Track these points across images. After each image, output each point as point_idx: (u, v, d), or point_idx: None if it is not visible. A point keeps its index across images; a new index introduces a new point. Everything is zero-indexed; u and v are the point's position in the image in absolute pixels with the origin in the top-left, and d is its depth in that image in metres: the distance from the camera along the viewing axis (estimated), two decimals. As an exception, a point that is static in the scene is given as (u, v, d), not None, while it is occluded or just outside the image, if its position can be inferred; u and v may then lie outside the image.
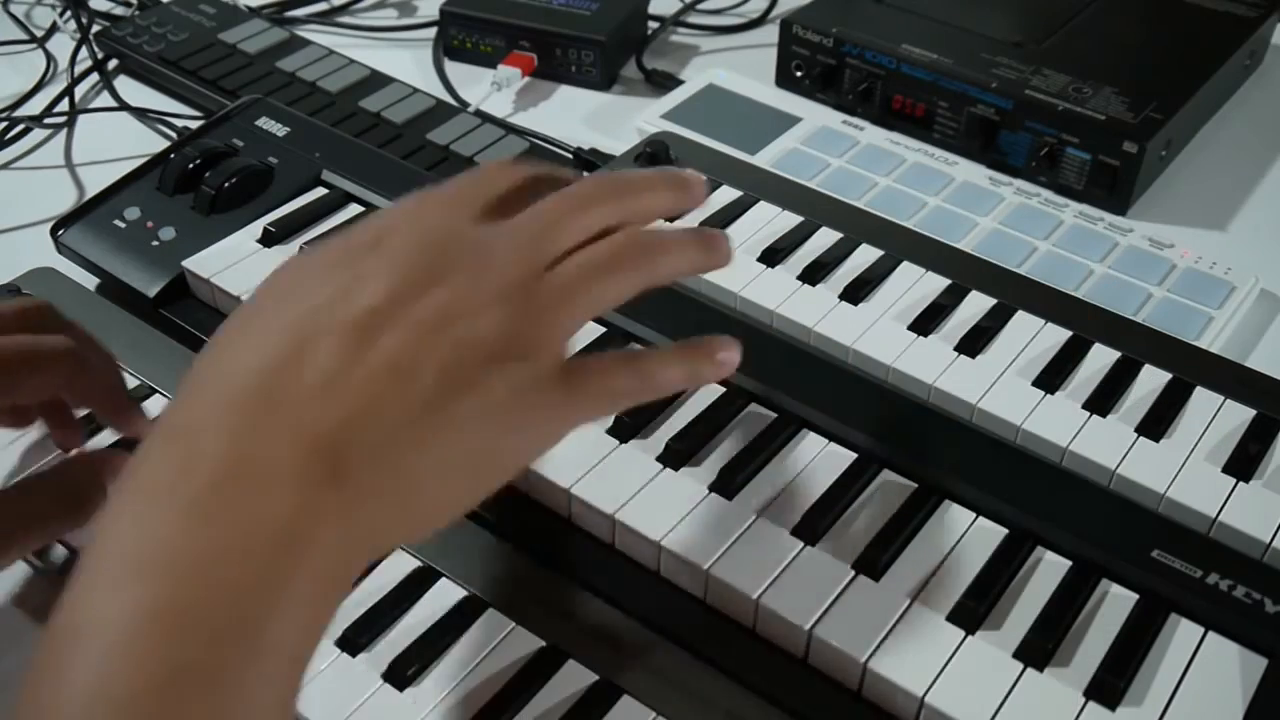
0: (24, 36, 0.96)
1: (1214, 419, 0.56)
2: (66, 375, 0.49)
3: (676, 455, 0.52)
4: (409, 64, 0.94)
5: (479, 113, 0.84)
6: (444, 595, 0.48)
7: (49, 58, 0.93)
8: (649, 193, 0.43)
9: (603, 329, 0.59)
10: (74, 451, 0.53)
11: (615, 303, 0.40)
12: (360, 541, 0.35)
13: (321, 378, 0.34)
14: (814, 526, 0.49)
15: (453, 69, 0.93)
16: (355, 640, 0.46)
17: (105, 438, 0.55)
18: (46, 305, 0.51)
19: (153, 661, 0.30)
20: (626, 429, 0.53)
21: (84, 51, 0.92)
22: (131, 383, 0.58)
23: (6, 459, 0.54)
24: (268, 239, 0.65)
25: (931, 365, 0.59)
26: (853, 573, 0.47)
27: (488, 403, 0.36)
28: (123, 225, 0.68)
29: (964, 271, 0.65)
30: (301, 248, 0.39)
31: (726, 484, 0.51)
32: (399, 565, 0.49)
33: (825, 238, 0.67)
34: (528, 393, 0.37)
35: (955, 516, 0.50)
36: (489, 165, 0.43)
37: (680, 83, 0.88)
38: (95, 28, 0.94)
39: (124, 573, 0.31)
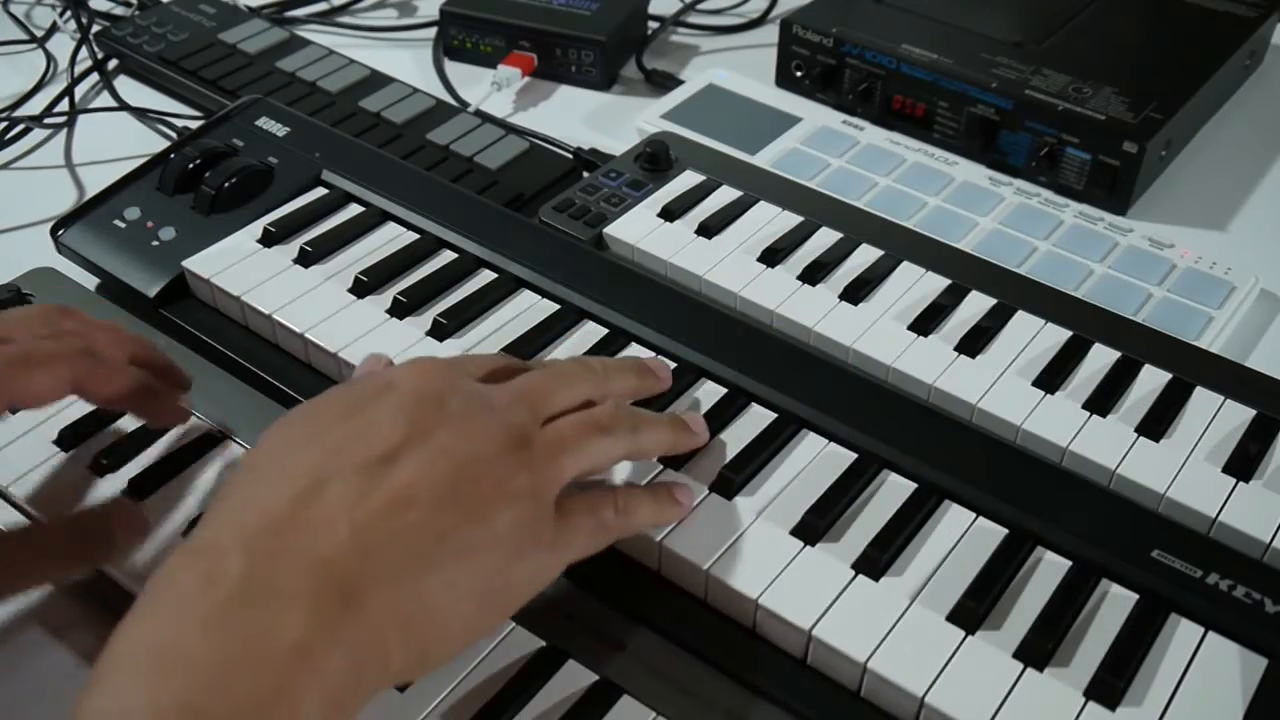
0: (24, 36, 0.96)
1: (1214, 419, 0.56)
2: (71, 377, 0.48)
3: (677, 455, 0.52)
4: (409, 64, 0.94)
5: (479, 113, 0.84)
6: None
7: (49, 58, 0.94)
8: (620, 377, 0.50)
9: (605, 330, 0.59)
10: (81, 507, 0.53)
11: (603, 463, 0.46)
12: (372, 664, 0.37)
13: (335, 510, 0.38)
14: (814, 526, 0.49)
15: (453, 69, 0.93)
16: None
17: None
18: (53, 311, 0.51)
19: None
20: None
21: (84, 51, 0.93)
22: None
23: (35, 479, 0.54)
24: (268, 239, 0.65)
25: (931, 365, 0.59)
26: (853, 573, 0.47)
27: (489, 531, 0.40)
28: (123, 225, 0.68)
29: (964, 271, 0.65)
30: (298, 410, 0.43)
31: (726, 484, 0.51)
32: None
33: (825, 238, 0.67)
34: (527, 524, 0.41)
35: (955, 516, 0.50)
36: (487, 355, 0.50)
37: (680, 83, 0.88)
38: (95, 28, 0.94)
39: (146, 667, 0.34)
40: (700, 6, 1.01)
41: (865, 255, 0.66)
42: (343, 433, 0.40)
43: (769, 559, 0.48)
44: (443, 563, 0.38)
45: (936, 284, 0.64)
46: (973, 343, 0.60)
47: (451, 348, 0.58)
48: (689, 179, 0.72)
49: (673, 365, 0.56)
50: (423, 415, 0.41)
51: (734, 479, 0.51)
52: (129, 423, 0.56)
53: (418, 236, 0.65)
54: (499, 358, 0.49)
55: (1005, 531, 0.49)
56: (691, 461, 0.52)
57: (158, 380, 0.53)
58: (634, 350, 0.58)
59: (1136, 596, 0.47)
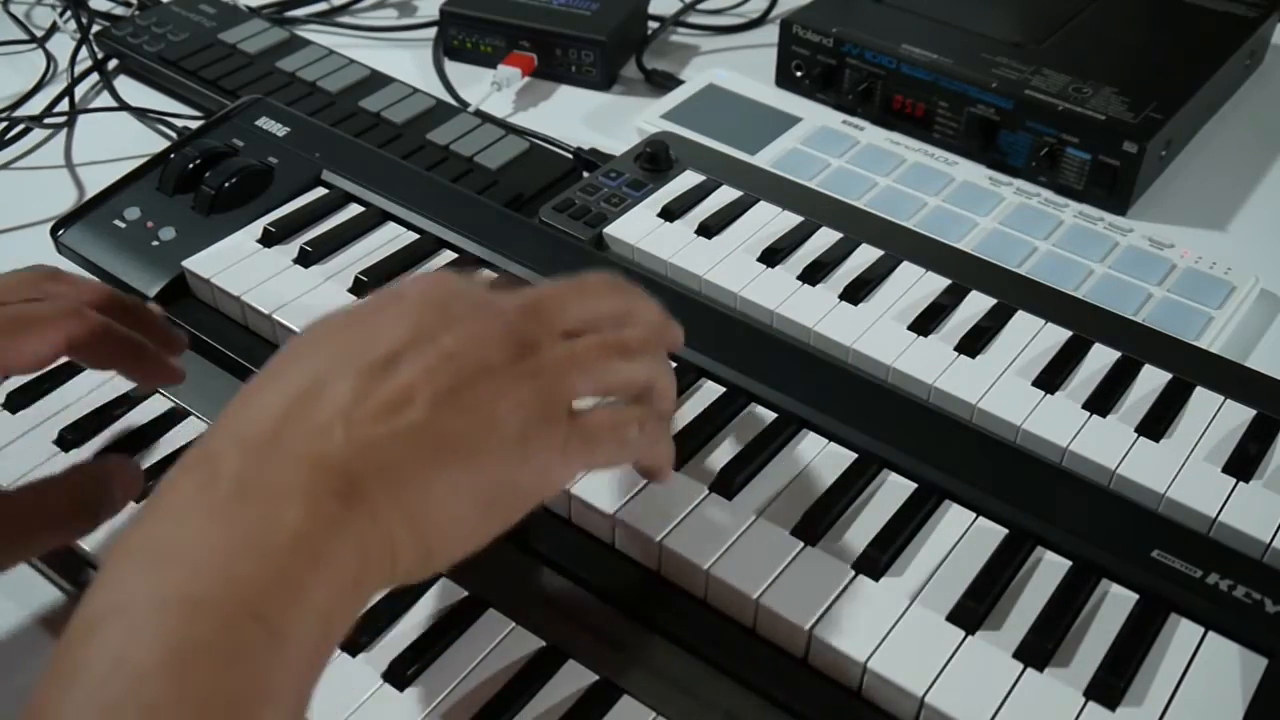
0: (24, 36, 0.96)
1: (1214, 419, 0.56)
2: (64, 339, 0.48)
3: (677, 455, 0.52)
4: (409, 64, 0.94)
5: (479, 113, 0.84)
6: (444, 595, 0.48)
7: (49, 58, 0.94)
8: (646, 305, 0.47)
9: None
10: (81, 461, 0.53)
11: (621, 389, 0.44)
12: (378, 557, 0.36)
13: (332, 411, 0.37)
14: (814, 526, 0.49)
15: (453, 69, 0.93)
16: (355, 640, 0.46)
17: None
18: (40, 274, 0.51)
19: (172, 638, 0.32)
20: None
21: (84, 51, 0.93)
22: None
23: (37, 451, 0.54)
24: (268, 239, 0.65)
25: (931, 365, 0.59)
26: (853, 573, 0.47)
27: (492, 427, 0.38)
28: (123, 225, 0.68)
29: (964, 271, 0.65)
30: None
31: (726, 484, 0.51)
32: None
33: (825, 238, 0.67)
34: (535, 425, 0.39)
35: (955, 516, 0.50)
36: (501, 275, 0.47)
37: (680, 83, 0.88)
38: (95, 28, 0.94)
39: (148, 561, 0.34)
40: (700, 6, 1.01)
41: (865, 255, 0.66)
42: (346, 339, 0.40)
43: (769, 559, 0.48)
44: (444, 462, 0.37)
45: (936, 284, 0.64)
46: (973, 343, 0.60)
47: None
48: (689, 179, 0.72)
49: (672, 365, 0.56)
50: (426, 319, 0.40)
51: (734, 479, 0.51)
52: (128, 423, 0.56)
53: (418, 236, 0.65)
54: (517, 278, 0.46)
55: (1005, 531, 0.49)
56: (692, 462, 0.52)
57: (150, 340, 0.52)
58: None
59: (1136, 596, 0.47)
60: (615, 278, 0.46)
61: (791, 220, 0.69)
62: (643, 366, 0.44)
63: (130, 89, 0.90)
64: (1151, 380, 0.58)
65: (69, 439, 0.55)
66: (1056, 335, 0.61)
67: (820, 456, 0.52)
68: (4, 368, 0.47)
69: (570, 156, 0.80)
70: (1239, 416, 0.56)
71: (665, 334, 0.48)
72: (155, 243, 0.66)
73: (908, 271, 0.65)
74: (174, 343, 0.55)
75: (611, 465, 0.44)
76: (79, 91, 0.90)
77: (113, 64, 0.93)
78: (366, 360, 0.38)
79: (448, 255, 0.64)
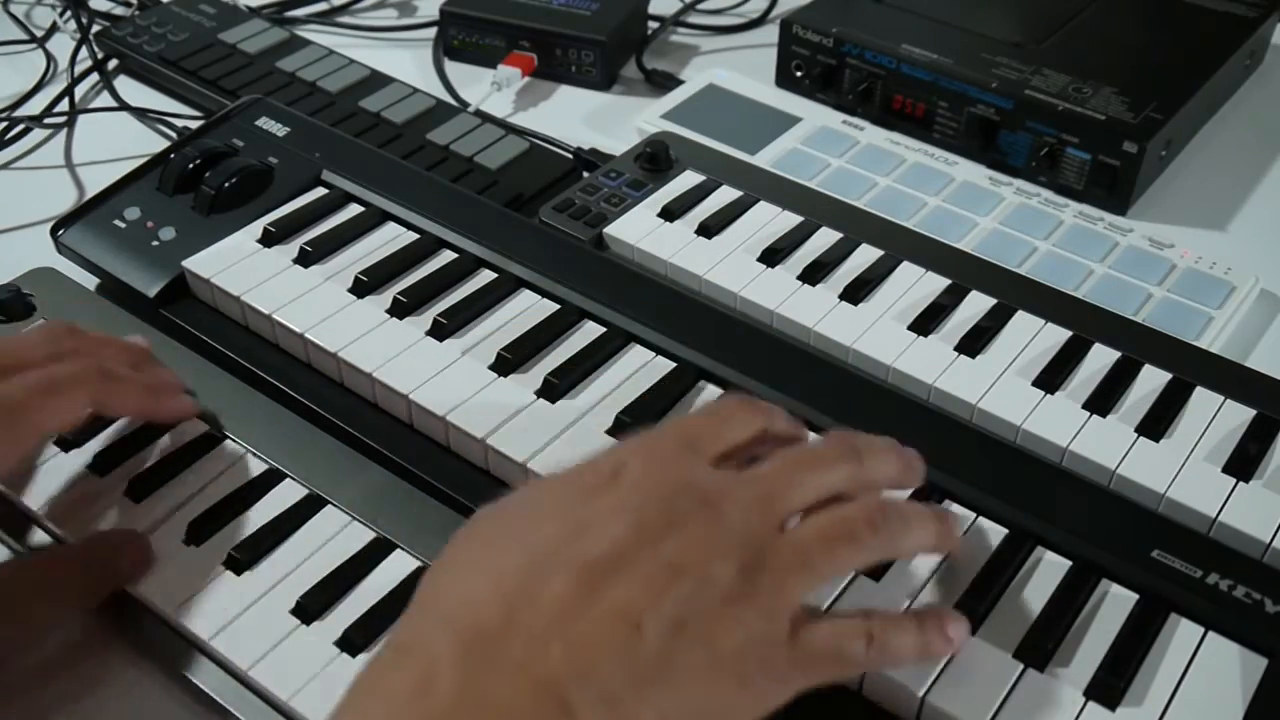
0: (24, 36, 0.96)
1: (1214, 419, 0.56)
2: (90, 398, 0.49)
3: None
4: (409, 64, 0.94)
5: (479, 113, 0.84)
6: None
7: (49, 58, 0.93)
8: (883, 461, 0.44)
9: (603, 328, 0.59)
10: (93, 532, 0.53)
11: (850, 570, 0.42)
12: None
13: (551, 619, 0.35)
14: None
15: (453, 69, 0.93)
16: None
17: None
18: (57, 331, 0.52)
19: None
20: (626, 429, 0.53)
21: (84, 51, 0.92)
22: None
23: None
24: (268, 239, 0.65)
25: (931, 365, 0.59)
26: (853, 573, 0.47)
27: (714, 657, 0.36)
28: (123, 225, 0.68)
29: (964, 271, 0.65)
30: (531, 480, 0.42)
31: (726, 484, 0.50)
32: (357, 536, 0.50)
33: (825, 238, 0.67)
34: (757, 650, 0.37)
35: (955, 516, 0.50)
36: (729, 405, 0.44)
37: (680, 83, 0.88)
38: (95, 28, 0.94)
39: None
40: (700, 6, 1.01)
41: (865, 255, 0.66)
42: (560, 527, 0.37)
43: (769, 559, 0.48)
44: (659, 692, 0.35)
45: (936, 284, 0.64)
46: (973, 343, 0.60)
47: (451, 348, 0.58)
48: (689, 179, 0.72)
49: (672, 365, 0.56)
50: (648, 518, 0.37)
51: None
52: (127, 424, 0.56)
53: (418, 236, 0.65)
54: (741, 422, 0.44)
55: (1005, 531, 0.49)
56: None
57: (161, 383, 0.54)
58: (636, 352, 0.58)
59: (1136, 596, 0.47)
60: (848, 442, 0.43)
61: (791, 220, 0.69)
62: (871, 548, 0.41)
63: (130, 89, 0.90)
64: (1151, 380, 0.58)
65: (69, 439, 0.55)
66: (1056, 335, 0.61)
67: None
68: (37, 430, 0.48)
69: (570, 156, 0.80)
70: (1239, 416, 0.56)
71: (905, 481, 0.45)
72: (155, 243, 0.66)
73: (908, 271, 0.65)
74: (176, 380, 0.56)
75: (836, 680, 0.41)
76: (79, 91, 0.90)
77: (113, 64, 0.93)
78: (586, 557, 0.36)
79: (448, 255, 0.64)
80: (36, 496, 0.53)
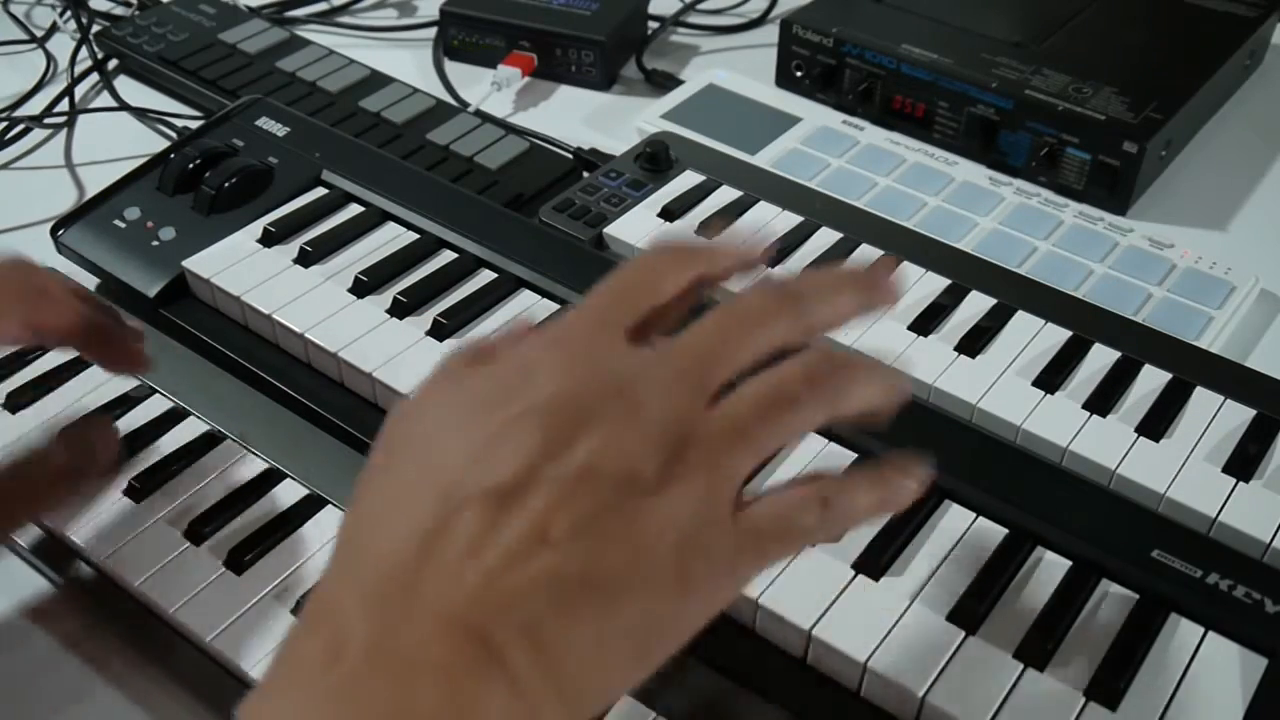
0: (24, 36, 0.96)
1: (1214, 419, 0.56)
2: (24, 318, 0.48)
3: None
4: (409, 64, 0.94)
5: (479, 113, 0.84)
6: None
7: (49, 58, 0.93)
8: (834, 299, 0.37)
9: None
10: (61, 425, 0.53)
11: (793, 437, 0.36)
12: None
13: (462, 555, 0.31)
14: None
15: (453, 69, 0.93)
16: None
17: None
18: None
19: None
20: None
21: (84, 51, 0.92)
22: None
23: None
24: (268, 239, 0.65)
25: (931, 365, 0.59)
26: (853, 573, 0.47)
27: (644, 557, 0.32)
28: (123, 225, 0.68)
29: (964, 271, 0.65)
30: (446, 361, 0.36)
31: (726, 484, 0.50)
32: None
33: (825, 238, 0.67)
34: (693, 539, 0.33)
35: (955, 516, 0.50)
36: (644, 261, 0.39)
37: (680, 83, 0.88)
38: (95, 28, 0.94)
39: None
40: (700, 6, 1.01)
41: (865, 255, 0.66)
42: (465, 451, 0.33)
43: (769, 559, 0.48)
44: (590, 608, 0.31)
45: (936, 284, 0.64)
46: (973, 343, 0.60)
47: (451, 348, 0.58)
48: (689, 179, 0.72)
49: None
50: (557, 425, 0.33)
51: (734, 479, 0.51)
52: (127, 423, 0.56)
53: (418, 236, 0.65)
54: (664, 274, 0.38)
55: (1005, 531, 0.49)
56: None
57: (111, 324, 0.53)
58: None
59: (1136, 596, 0.47)
60: (783, 289, 0.37)
61: (791, 220, 0.69)
62: (817, 407, 0.35)
63: (130, 89, 0.90)
64: (1151, 380, 0.58)
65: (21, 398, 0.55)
66: (1056, 335, 0.61)
67: (820, 457, 0.52)
68: None
69: (570, 156, 0.80)
70: (1239, 416, 0.56)
71: (872, 304, 0.38)
72: (155, 243, 0.66)
73: (908, 271, 0.65)
74: (130, 333, 0.54)
75: (788, 556, 0.36)
76: (79, 91, 0.90)
77: (113, 64, 0.93)
78: (493, 481, 0.32)
79: (448, 255, 0.64)
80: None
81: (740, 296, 0.37)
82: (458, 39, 0.93)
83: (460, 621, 0.31)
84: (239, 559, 0.49)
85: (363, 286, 0.62)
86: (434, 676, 0.30)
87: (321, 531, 0.51)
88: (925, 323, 0.61)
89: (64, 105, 0.87)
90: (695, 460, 0.33)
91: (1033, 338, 0.60)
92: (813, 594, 0.46)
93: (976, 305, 0.63)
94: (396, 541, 0.32)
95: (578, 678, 0.32)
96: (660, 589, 0.32)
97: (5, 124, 0.84)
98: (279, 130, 0.73)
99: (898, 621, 0.46)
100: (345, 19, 1.01)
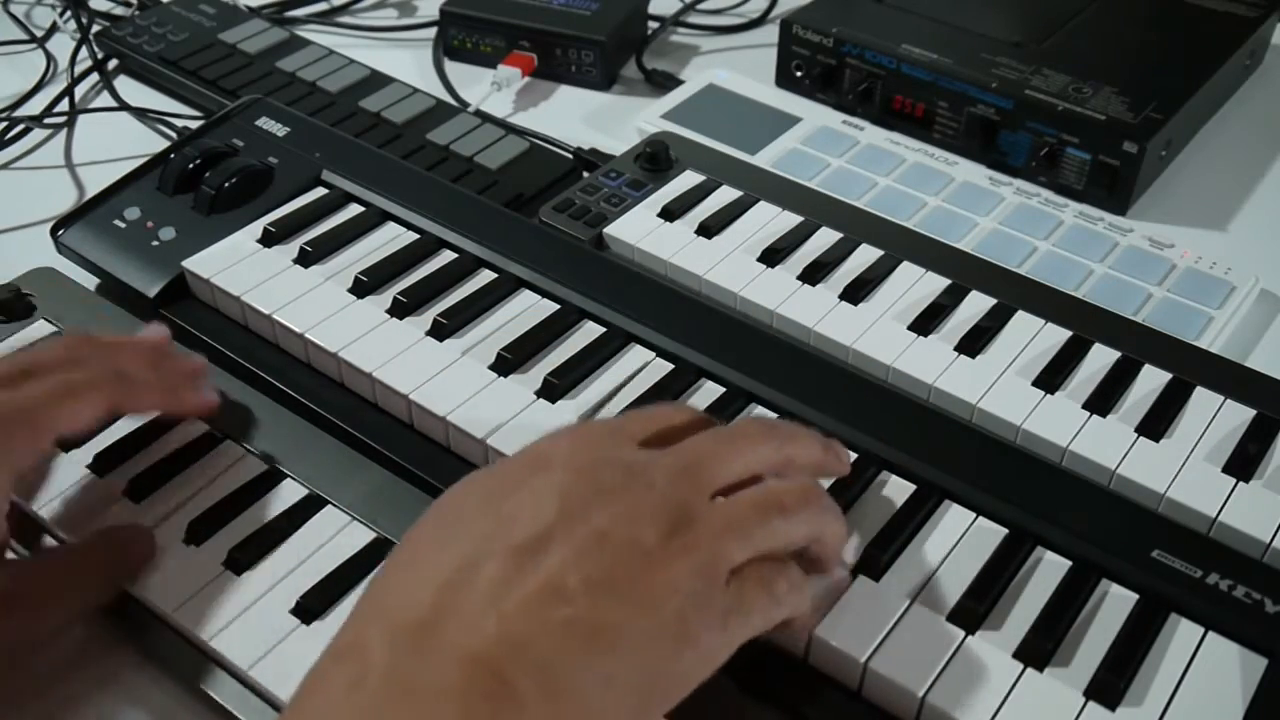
0: (24, 36, 0.96)
1: (1214, 419, 0.56)
2: (107, 401, 0.49)
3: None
4: (409, 64, 0.94)
5: (479, 113, 0.84)
6: None
7: (49, 58, 0.93)
8: (805, 445, 0.45)
9: (603, 329, 0.59)
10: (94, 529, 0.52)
11: (783, 546, 0.41)
12: None
13: (483, 601, 0.35)
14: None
15: (453, 69, 0.93)
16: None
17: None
18: (74, 341, 0.52)
19: None
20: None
21: (84, 51, 0.92)
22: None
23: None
24: (268, 239, 0.65)
25: (931, 365, 0.59)
26: (853, 573, 0.47)
27: (648, 615, 0.36)
28: (123, 225, 0.68)
29: (964, 271, 0.65)
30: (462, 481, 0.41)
31: (726, 484, 0.50)
32: (357, 536, 0.51)
33: (825, 238, 0.67)
34: (697, 607, 0.37)
35: (955, 516, 0.50)
36: (657, 406, 0.46)
37: (680, 83, 0.88)
38: (95, 28, 0.94)
39: None
40: (700, 6, 1.01)
41: (865, 255, 0.66)
42: (491, 518, 0.38)
43: (769, 559, 0.48)
44: (599, 655, 0.35)
45: (936, 284, 0.64)
46: (973, 343, 0.60)
47: (451, 348, 0.58)
48: (689, 179, 0.72)
49: (672, 365, 0.56)
50: (575, 494, 0.38)
51: (734, 479, 0.51)
52: (128, 424, 0.56)
53: (418, 236, 0.65)
54: (668, 412, 0.45)
55: (1005, 531, 0.49)
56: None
57: (181, 378, 0.55)
58: (636, 352, 0.58)
59: (1136, 596, 0.47)
60: (769, 423, 0.44)
61: (791, 220, 0.69)
62: (801, 522, 0.42)
63: (130, 89, 0.90)
64: (1151, 380, 0.58)
65: (69, 440, 0.55)
66: (1056, 335, 0.61)
67: (820, 456, 0.52)
68: (53, 433, 0.47)
69: (570, 156, 0.80)
70: (1239, 416, 0.56)
71: (828, 467, 0.47)
72: (155, 243, 0.66)
73: (908, 271, 0.65)
74: (198, 370, 0.56)
75: (772, 625, 0.41)
76: (79, 91, 0.90)
77: (113, 64, 0.93)
78: (515, 540, 0.36)
79: (448, 255, 0.64)
80: (36, 497, 0.52)
81: (735, 423, 0.44)
82: (458, 39, 0.93)
83: (478, 657, 0.34)
84: (239, 559, 0.49)
85: (363, 286, 0.62)
86: (451, 702, 0.33)
87: (321, 531, 0.51)
88: (925, 323, 0.61)
89: (64, 105, 0.87)
90: (695, 539, 0.38)
91: (1033, 338, 0.60)
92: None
93: (976, 305, 0.63)
94: (423, 587, 0.36)
95: (584, 718, 0.35)
96: (661, 642, 0.36)
97: (5, 124, 0.84)
98: (279, 130, 0.73)
99: (898, 621, 0.46)
100: (345, 19, 1.01)
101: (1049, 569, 0.48)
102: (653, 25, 0.97)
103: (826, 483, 0.48)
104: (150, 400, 0.53)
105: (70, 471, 0.54)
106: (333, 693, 0.34)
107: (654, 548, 0.37)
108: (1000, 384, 0.58)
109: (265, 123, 0.74)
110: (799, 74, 0.87)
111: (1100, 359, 0.59)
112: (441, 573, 0.36)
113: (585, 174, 0.76)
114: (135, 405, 0.53)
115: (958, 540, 0.49)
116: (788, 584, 0.41)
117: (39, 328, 0.61)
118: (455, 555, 0.37)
